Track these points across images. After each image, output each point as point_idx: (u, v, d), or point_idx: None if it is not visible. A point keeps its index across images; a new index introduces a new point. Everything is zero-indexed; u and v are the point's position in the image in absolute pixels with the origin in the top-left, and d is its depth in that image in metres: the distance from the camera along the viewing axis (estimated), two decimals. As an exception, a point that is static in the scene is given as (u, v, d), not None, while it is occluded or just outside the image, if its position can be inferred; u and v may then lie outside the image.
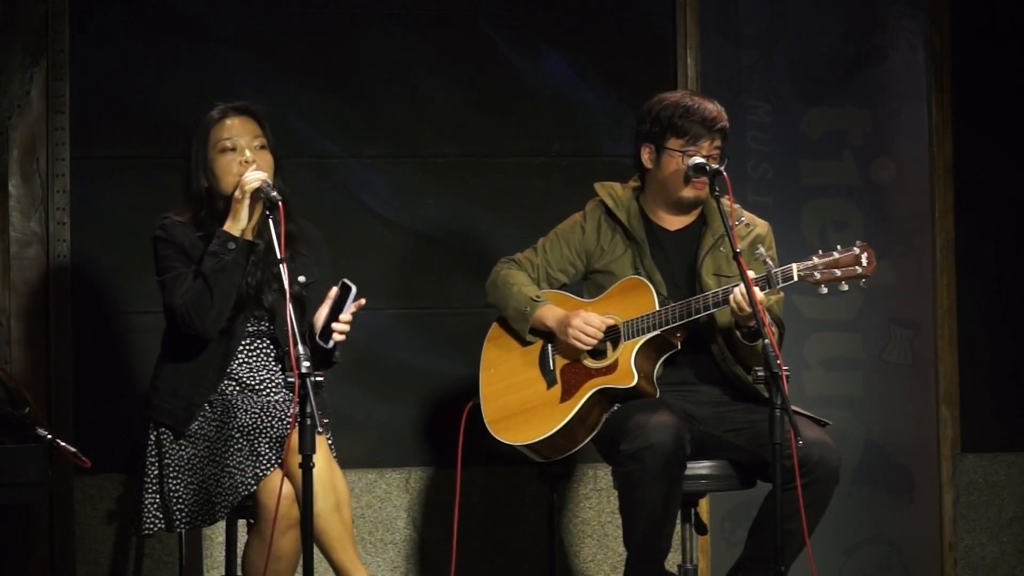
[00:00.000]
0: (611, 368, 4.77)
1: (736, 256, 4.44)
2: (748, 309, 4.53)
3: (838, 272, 4.57)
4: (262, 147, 4.64)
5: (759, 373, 4.30)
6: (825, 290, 4.59)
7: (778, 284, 4.60)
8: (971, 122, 6.00)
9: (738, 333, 4.68)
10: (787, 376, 4.27)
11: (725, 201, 4.65)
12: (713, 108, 4.79)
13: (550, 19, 5.79)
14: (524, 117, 5.77)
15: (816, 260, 4.59)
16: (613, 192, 4.95)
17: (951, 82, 6.00)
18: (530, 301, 4.87)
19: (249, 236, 4.58)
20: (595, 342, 4.77)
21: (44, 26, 5.46)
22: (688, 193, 4.82)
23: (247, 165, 4.58)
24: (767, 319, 4.45)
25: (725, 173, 4.60)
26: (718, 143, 4.79)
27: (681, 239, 4.92)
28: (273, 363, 4.67)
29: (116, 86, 5.53)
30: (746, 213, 4.95)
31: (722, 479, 4.80)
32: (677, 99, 4.82)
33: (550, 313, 4.85)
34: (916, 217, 6.01)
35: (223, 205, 4.60)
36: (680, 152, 4.78)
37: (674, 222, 4.93)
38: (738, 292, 4.57)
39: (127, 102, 5.53)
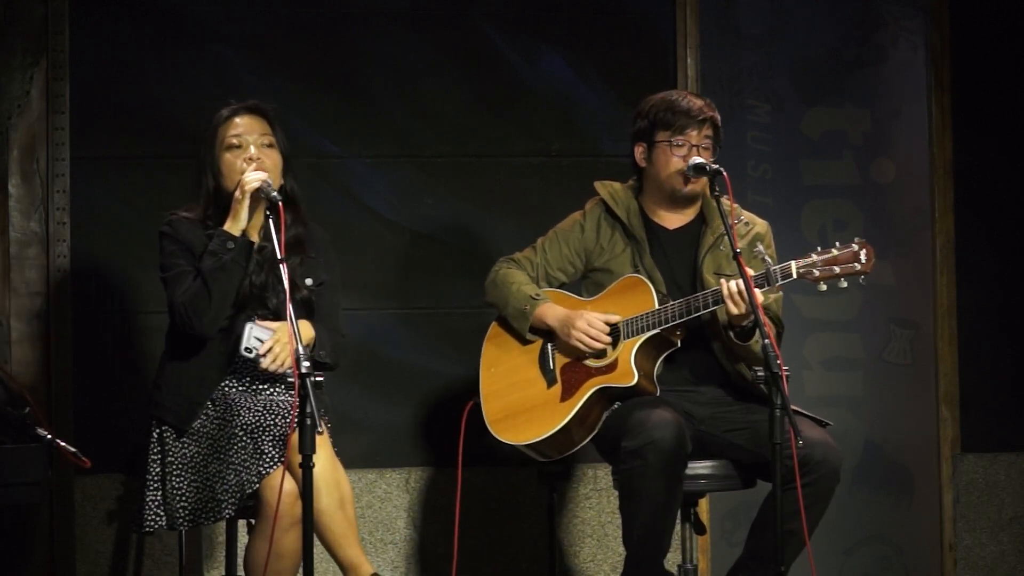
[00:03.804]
0: (611, 367, 4.77)
1: (736, 256, 4.45)
2: (743, 305, 4.54)
3: (837, 269, 4.58)
4: (269, 145, 4.64)
5: (759, 373, 4.31)
6: (824, 287, 4.60)
7: (777, 282, 4.60)
8: (971, 122, 6.00)
9: (731, 333, 4.68)
10: (787, 376, 4.27)
11: (725, 200, 4.66)
12: (698, 100, 4.86)
13: (550, 19, 5.79)
14: (524, 117, 5.77)
15: (815, 257, 4.60)
16: (613, 191, 4.97)
17: (951, 82, 6.00)
18: (530, 299, 4.87)
19: (256, 238, 4.58)
20: (599, 345, 4.77)
21: (44, 26, 5.46)
22: (682, 185, 4.83)
23: (251, 163, 4.58)
24: (768, 321, 4.46)
25: (725, 173, 4.61)
26: (708, 132, 4.83)
27: (681, 238, 4.93)
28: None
29: (116, 86, 5.53)
30: (745, 212, 4.96)
31: (722, 479, 4.80)
32: (663, 95, 4.90)
33: (551, 312, 4.85)
34: (916, 217, 6.01)
35: (228, 204, 4.60)
36: (668, 143, 4.81)
37: (673, 220, 4.94)
38: (732, 286, 4.56)
39: (127, 102, 5.53)
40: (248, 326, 4.52)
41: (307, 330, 4.61)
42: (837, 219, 5.98)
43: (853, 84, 6.00)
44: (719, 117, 4.87)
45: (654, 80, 5.70)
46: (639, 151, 4.92)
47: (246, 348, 4.51)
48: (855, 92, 6.00)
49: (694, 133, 4.82)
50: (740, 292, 4.55)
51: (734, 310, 4.58)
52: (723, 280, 4.60)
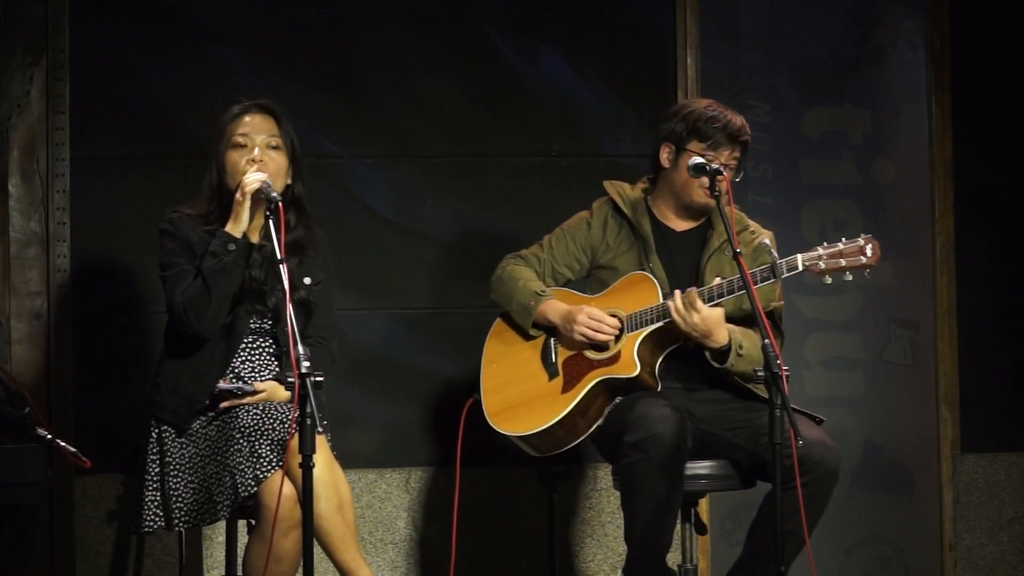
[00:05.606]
0: (613, 359, 4.78)
1: (736, 256, 4.46)
2: (688, 318, 4.58)
3: (843, 262, 4.61)
4: (275, 147, 4.63)
5: (759, 373, 4.31)
6: (829, 280, 4.62)
7: (783, 274, 4.62)
8: (971, 122, 6.00)
9: (707, 354, 4.71)
10: (787, 376, 4.27)
11: (726, 203, 4.66)
12: (738, 120, 4.84)
13: (550, 19, 5.79)
14: (524, 117, 5.77)
15: (821, 251, 4.62)
16: (622, 190, 4.98)
17: (951, 82, 6.00)
18: (535, 295, 4.89)
19: (256, 237, 4.58)
20: (603, 336, 4.77)
21: (44, 26, 5.46)
22: (699, 197, 4.83)
23: (253, 164, 4.58)
24: (768, 323, 4.46)
25: (724, 174, 4.62)
26: (737, 154, 4.84)
27: (687, 240, 4.94)
28: (274, 362, 4.67)
29: (116, 86, 5.53)
30: (752, 222, 4.98)
31: (722, 479, 4.80)
32: (705, 106, 4.87)
33: (553, 308, 4.86)
34: (916, 217, 6.01)
35: (230, 201, 4.60)
36: (700, 156, 4.78)
37: (680, 224, 4.95)
38: (679, 301, 4.60)
39: (127, 102, 5.53)
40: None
41: (281, 394, 4.59)
42: (837, 219, 5.98)
43: (853, 84, 6.00)
44: (750, 139, 4.86)
45: (654, 80, 5.71)
46: (666, 152, 4.90)
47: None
48: (855, 92, 6.00)
49: (726, 152, 4.82)
50: (687, 305, 4.59)
51: (681, 324, 4.60)
52: (676, 292, 4.63)
